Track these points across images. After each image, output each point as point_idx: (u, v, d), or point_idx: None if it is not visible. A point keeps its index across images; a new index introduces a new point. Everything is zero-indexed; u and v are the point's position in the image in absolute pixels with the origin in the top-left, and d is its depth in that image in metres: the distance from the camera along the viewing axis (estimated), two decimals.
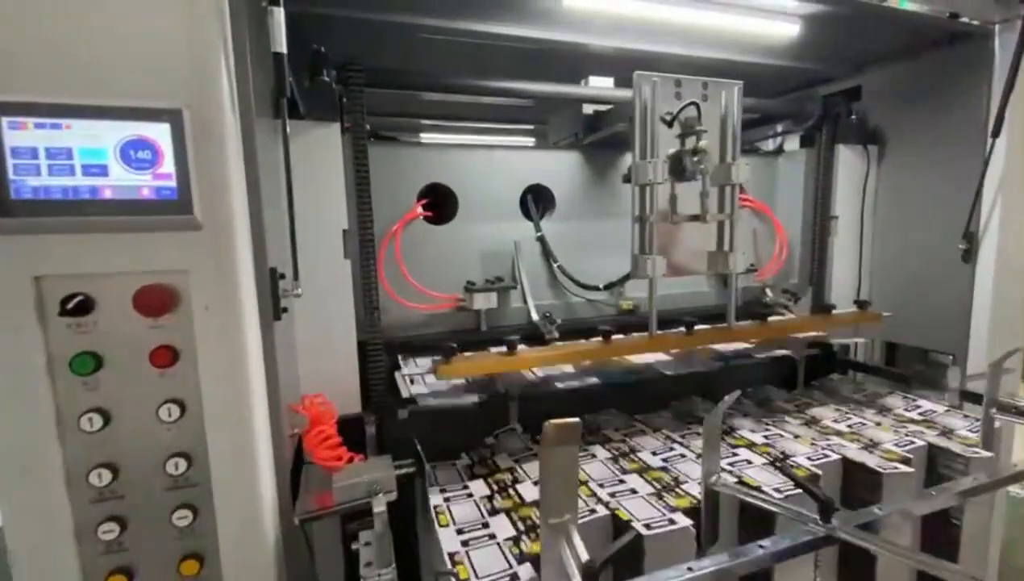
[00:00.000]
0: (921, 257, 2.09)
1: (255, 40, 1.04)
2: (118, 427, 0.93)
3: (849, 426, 1.56)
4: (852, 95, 2.27)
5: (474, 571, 0.97)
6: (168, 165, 0.89)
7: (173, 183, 0.90)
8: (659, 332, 1.57)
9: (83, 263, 0.88)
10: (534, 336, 1.83)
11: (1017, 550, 2.56)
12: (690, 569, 0.86)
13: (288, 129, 1.07)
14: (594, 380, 1.56)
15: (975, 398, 1.77)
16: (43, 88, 0.83)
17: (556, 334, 1.76)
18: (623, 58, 1.96)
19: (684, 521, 1.03)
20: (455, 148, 1.91)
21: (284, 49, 1.01)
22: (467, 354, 1.47)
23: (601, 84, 2.00)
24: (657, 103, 1.48)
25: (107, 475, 0.92)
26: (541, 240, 1.94)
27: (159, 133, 0.88)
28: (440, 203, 1.87)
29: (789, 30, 1.74)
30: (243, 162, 0.98)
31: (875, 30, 1.91)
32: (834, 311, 1.83)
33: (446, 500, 1.23)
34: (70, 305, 0.87)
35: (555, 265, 1.93)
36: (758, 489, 1.16)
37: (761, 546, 0.91)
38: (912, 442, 1.43)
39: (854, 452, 1.36)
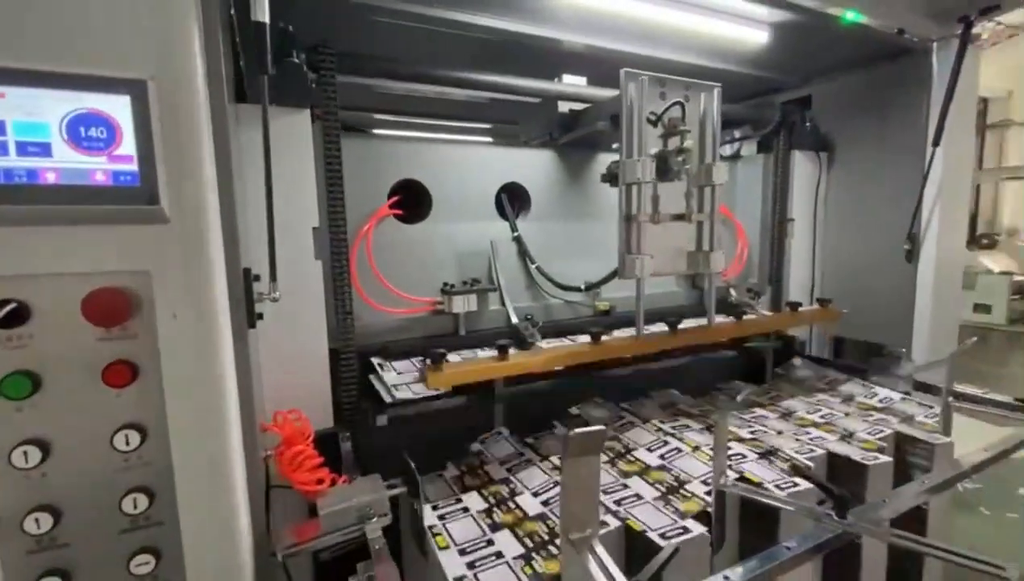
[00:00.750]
0: (868, 257, 2.23)
1: (223, 8, 0.91)
2: (61, 460, 0.77)
3: (822, 417, 1.62)
4: (803, 104, 2.39)
5: None
6: (128, 146, 0.75)
7: (134, 167, 0.76)
8: (646, 330, 1.55)
9: (16, 262, 0.72)
10: (514, 339, 1.77)
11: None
12: (726, 578, 0.83)
13: (267, 114, 0.95)
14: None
15: (923, 387, 1.90)
16: None
17: (539, 337, 1.71)
18: (593, 57, 1.96)
19: (698, 528, 1.00)
20: (427, 143, 1.80)
21: (267, 18, 0.89)
22: (455, 359, 1.38)
23: (575, 82, 1.97)
24: (643, 102, 1.47)
25: (47, 520, 0.76)
26: (518, 240, 1.88)
27: (117, 107, 0.74)
28: (411, 201, 1.77)
29: (758, 37, 1.79)
30: (214, 146, 0.85)
31: (828, 42, 2.01)
32: (800, 308, 1.90)
33: (441, 518, 1.13)
34: (1, 313, 0.71)
35: (533, 266, 1.88)
36: (759, 485, 1.16)
37: (788, 547, 0.90)
38: (882, 430, 1.50)
39: (835, 444, 1.40)
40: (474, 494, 1.22)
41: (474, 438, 1.51)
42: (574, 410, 1.66)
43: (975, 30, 1.85)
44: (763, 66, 2.20)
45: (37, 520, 0.76)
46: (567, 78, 1.97)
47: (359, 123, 2.27)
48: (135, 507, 0.81)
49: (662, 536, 0.98)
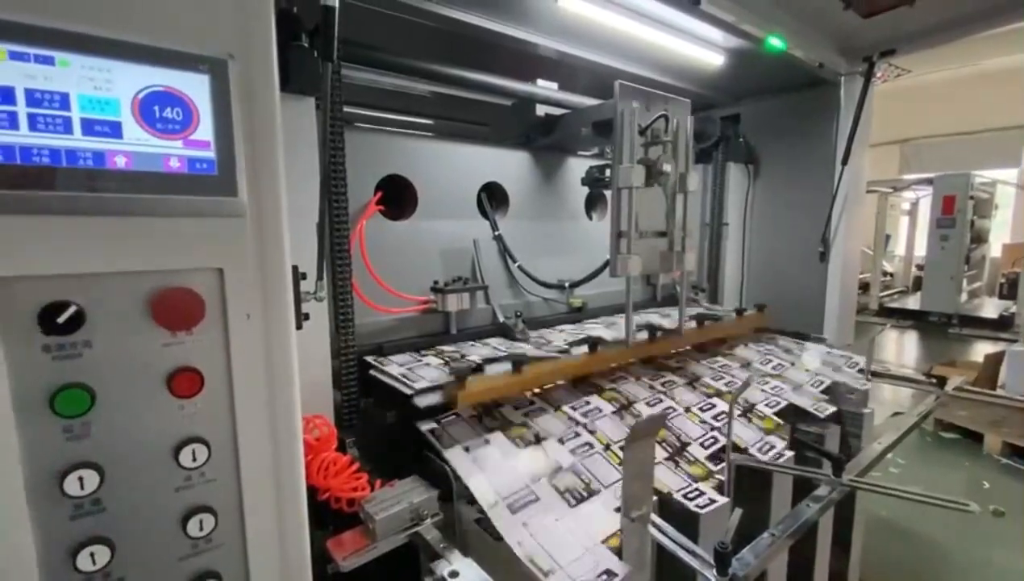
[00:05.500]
0: (787, 257, 2.57)
1: None
2: (117, 486, 0.68)
3: (773, 368, 1.84)
4: (734, 121, 2.69)
5: (554, 560, 0.92)
6: (205, 130, 0.68)
7: (211, 153, 0.69)
8: (636, 338, 1.66)
9: (76, 259, 0.62)
10: (502, 336, 1.80)
11: None
12: (773, 535, 0.95)
13: (328, 105, 0.89)
14: None
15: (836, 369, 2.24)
16: (25, 1, 0.57)
17: (528, 332, 1.76)
18: (563, 63, 2.04)
19: (719, 497, 1.12)
20: (409, 138, 1.76)
21: (336, 2, 0.84)
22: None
23: (548, 86, 2.04)
24: (634, 114, 1.57)
25: (103, 554, 0.66)
26: (499, 239, 1.91)
27: (195, 86, 0.67)
28: (395, 197, 1.72)
29: (715, 60, 1.99)
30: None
31: (761, 68, 2.29)
32: (746, 313, 2.13)
33: (474, 461, 1.12)
34: (61, 318, 0.61)
35: (515, 265, 1.92)
36: (745, 451, 1.31)
37: (808, 505, 1.05)
38: (822, 381, 1.75)
39: (792, 395, 1.62)
40: (499, 434, 1.22)
41: None
42: None
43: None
44: (706, 85, 2.44)
45: (92, 555, 0.66)
46: (541, 83, 2.03)
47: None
48: (201, 529, 0.73)
49: (687, 498, 1.09)
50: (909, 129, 9.65)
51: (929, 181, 7.54)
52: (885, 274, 9.47)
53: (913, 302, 8.15)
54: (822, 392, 1.70)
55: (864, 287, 8.78)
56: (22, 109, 0.57)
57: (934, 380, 1.84)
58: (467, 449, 1.16)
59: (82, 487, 0.64)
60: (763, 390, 1.66)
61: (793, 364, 1.89)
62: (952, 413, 3.88)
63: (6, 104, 0.56)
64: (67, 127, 0.60)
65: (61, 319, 0.61)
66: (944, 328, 7.37)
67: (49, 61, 0.58)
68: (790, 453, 1.33)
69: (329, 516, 1.09)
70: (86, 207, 0.62)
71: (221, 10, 0.68)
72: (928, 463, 3.63)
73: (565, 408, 1.40)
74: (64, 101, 0.59)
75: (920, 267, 8.64)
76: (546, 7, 1.64)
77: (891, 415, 1.75)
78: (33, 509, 0.62)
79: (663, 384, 1.61)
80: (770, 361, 1.90)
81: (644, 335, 1.72)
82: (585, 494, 1.11)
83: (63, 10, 0.59)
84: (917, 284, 8.67)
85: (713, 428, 1.41)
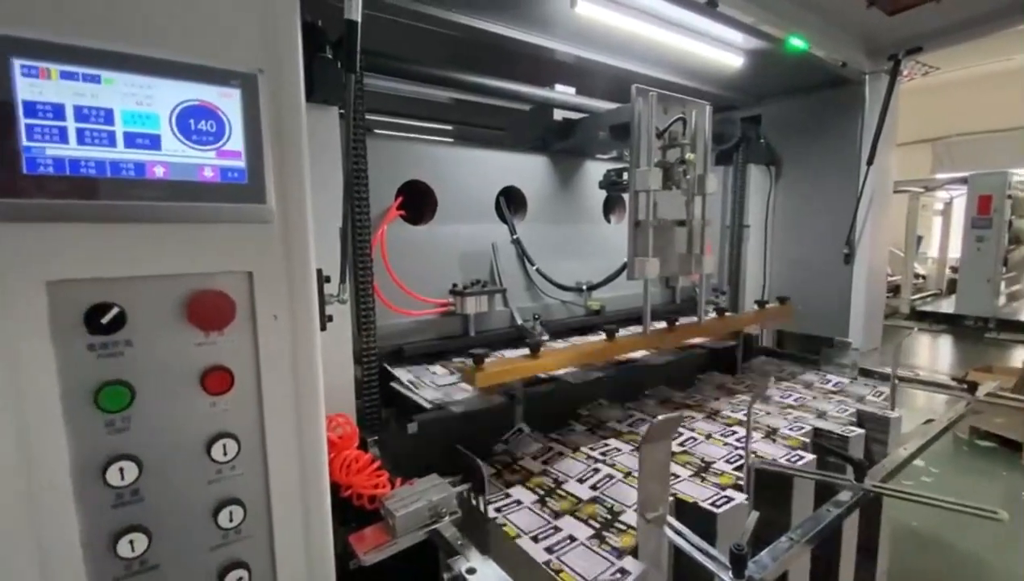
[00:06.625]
0: (810, 259, 2.53)
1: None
2: (155, 477, 0.72)
3: (795, 400, 1.82)
4: (755, 122, 2.66)
5: (580, 576, 0.93)
6: (236, 141, 0.72)
7: (242, 163, 0.73)
8: (652, 327, 1.67)
9: (119, 264, 0.66)
10: (520, 339, 1.82)
11: None
12: (791, 539, 0.95)
13: (351, 115, 0.93)
14: (596, 374, 1.62)
15: (864, 372, 2.20)
16: (75, 25, 0.61)
17: (546, 335, 1.77)
18: (581, 68, 2.05)
19: (738, 496, 1.12)
20: (428, 144, 1.80)
21: (359, 16, 0.88)
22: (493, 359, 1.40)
23: (566, 91, 2.06)
24: (652, 117, 1.58)
25: (141, 541, 0.70)
26: (517, 242, 1.93)
27: (227, 100, 0.71)
28: (415, 202, 1.76)
29: (735, 61, 1.98)
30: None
31: (783, 69, 2.26)
32: (768, 306, 2.12)
33: (498, 511, 1.16)
34: (105, 319, 0.65)
35: (533, 268, 1.94)
36: (774, 462, 1.30)
37: (828, 510, 1.04)
38: (846, 408, 1.72)
39: (815, 421, 1.60)
40: (519, 487, 1.26)
41: (496, 438, 1.54)
42: (583, 411, 1.73)
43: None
44: (725, 86, 2.42)
45: (131, 542, 0.70)
46: (559, 87, 2.05)
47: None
48: (231, 520, 0.77)
49: (713, 504, 1.09)
50: (941, 126, 9.35)
51: (963, 180, 7.29)
52: (917, 276, 9.18)
53: (947, 305, 7.88)
54: (849, 417, 1.67)
55: (894, 290, 8.53)
56: (71, 124, 0.61)
57: (964, 385, 1.79)
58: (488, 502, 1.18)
59: (123, 478, 0.69)
60: (785, 418, 1.64)
61: (815, 398, 1.86)
62: (988, 420, 3.73)
63: (57, 120, 0.61)
64: (111, 140, 0.64)
65: (105, 320, 0.65)
66: (980, 332, 7.10)
67: (96, 80, 0.62)
68: (811, 457, 1.32)
69: (351, 512, 1.12)
70: (128, 214, 0.66)
71: (251, 27, 0.72)
72: (962, 472, 3.50)
73: (583, 450, 1.42)
74: (109, 116, 0.64)
75: (954, 269, 8.34)
76: (563, 13, 1.66)
77: (923, 422, 1.70)
78: (78, 497, 0.66)
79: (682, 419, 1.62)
80: (790, 395, 1.88)
81: (663, 324, 1.72)
82: (609, 517, 1.12)
83: (108, 32, 0.63)
84: (951, 287, 8.38)
85: (736, 448, 1.41)
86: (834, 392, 1.96)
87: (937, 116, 8.88)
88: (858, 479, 1.10)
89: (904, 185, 7.65)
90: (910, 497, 1.06)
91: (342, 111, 1.35)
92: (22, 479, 0.62)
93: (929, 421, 1.75)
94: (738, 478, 1.21)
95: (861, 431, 1.52)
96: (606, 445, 1.43)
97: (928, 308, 8.10)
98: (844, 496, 1.09)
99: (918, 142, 9.48)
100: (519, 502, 1.19)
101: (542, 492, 1.23)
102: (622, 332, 1.64)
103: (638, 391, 1.92)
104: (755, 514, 0.84)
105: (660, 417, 0.92)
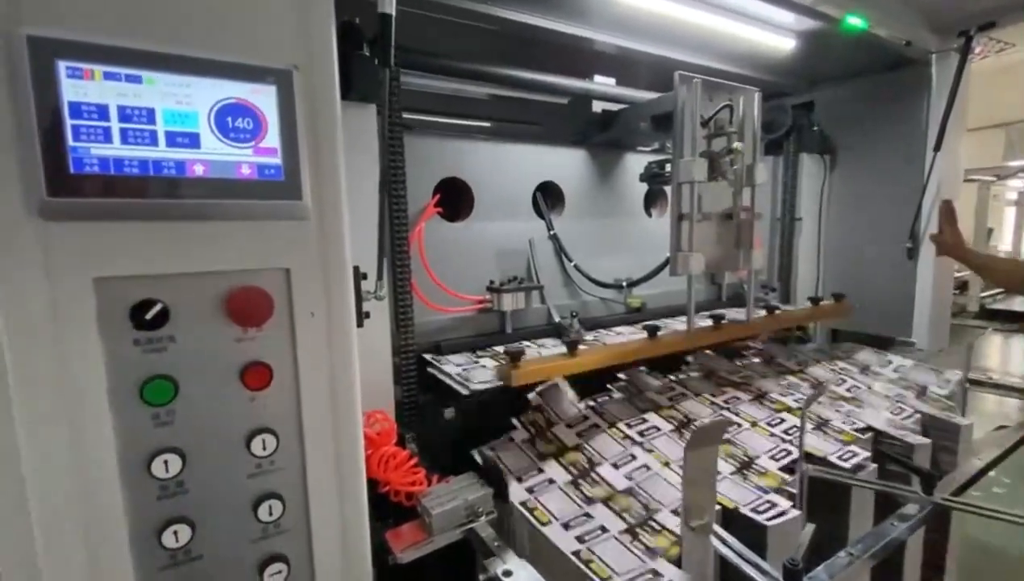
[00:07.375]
0: (869, 254, 2.37)
1: None
2: (197, 470, 0.73)
3: (848, 389, 1.69)
4: (807, 109, 2.51)
5: (612, 569, 0.90)
6: (272, 138, 0.72)
7: (278, 160, 0.73)
8: (697, 325, 1.60)
9: (161, 261, 0.68)
10: (557, 336, 1.79)
11: None
12: (850, 554, 0.88)
13: (387, 111, 0.93)
14: None
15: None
16: (116, 26, 0.62)
17: (584, 333, 1.73)
18: (620, 58, 1.99)
19: (790, 509, 1.05)
20: (464, 141, 1.78)
21: (393, 9, 0.87)
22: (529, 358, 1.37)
23: (606, 82, 2.00)
24: (696, 105, 1.51)
25: (185, 532, 0.72)
26: (554, 238, 1.90)
27: (263, 97, 0.71)
28: (452, 199, 1.75)
29: (786, 44, 1.87)
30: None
31: (838, 51, 2.12)
32: (822, 303, 2.00)
33: (530, 491, 1.12)
34: (149, 315, 0.66)
35: (571, 264, 1.90)
36: (824, 459, 1.21)
37: (893, 524, 0.96)
38: (902, 408, 1.58)
39: (870, 417, 1.48)
40: (552, 462, 1.22)
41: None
42: (622, 375, 1.65)
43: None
44: (775, 72, 2.30)
45: (176, 533, 0.71)
46: (598, 79, 2.00)
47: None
48: (270, 514, 0.78)
49: (755, 512, 1.03)
50: (1016, 110, 8.63)
51: None
52: None
53: (1020, 303, 7.28)
54: (906, 419, 1.54)
55: (962, 287, 7.96)
56: (115, 124, 0.63)
57: None
58: (520, 479, 1.16)
59: (167, 470, 0.70)
60: (838, 411, 1.53)
61: (871, 387, 1.73)
62: None
63: (102, 120, 0.62)
64: (153, 139, 0.65)
65: (149, 315, 0.66)
66: None
67: (137, 80, 0.63)
68: (872, 466, 1.23)
69: (388, 509, 1.13)
70: (169, 212, 0.67)
71: (287, 25, 0.72)
72: None
73: (620, 426, 1.36)
74: (151, 116, 0.65)
75: None
76: (603, 1, 1.61)
77: (994, 429, 1.56)
78: (125, 488, 0.68)
79: (726, 400, 1.52)
80: (844, 382, 1.75)
81: (708, 322, 1.63)
82: (644, 514, 1.07)
83: (149, 33, 0.64)
84: None
85: (784, 441, 1.32)
86: (893, 381, 1.80)
87: (1012, 98, 8.19)
88: (927, 491, 1.01)
89: (974, 173, 7.11)
90: (987, 513, 0.97)
91: (379, 108, 1.35)
92: (75, 472, 0.65)
93: (1001, 427, 1.61)
94: (783, 480, 1.14)
95: (927, 440, 1.41)
96: (644, 421, 1.36)
97: (1000, 306, 7.51)
98: (910, 509, 1.01)
99: (990, 127, 8.78)
100: (552, 481, 1.16)
101: (575, 472, 1.19)
102: (663, 331, 1.58)
103: (680, 359, 1.83)
104: (811, 527, 0.78)
105: (706, 420, 0.87)
